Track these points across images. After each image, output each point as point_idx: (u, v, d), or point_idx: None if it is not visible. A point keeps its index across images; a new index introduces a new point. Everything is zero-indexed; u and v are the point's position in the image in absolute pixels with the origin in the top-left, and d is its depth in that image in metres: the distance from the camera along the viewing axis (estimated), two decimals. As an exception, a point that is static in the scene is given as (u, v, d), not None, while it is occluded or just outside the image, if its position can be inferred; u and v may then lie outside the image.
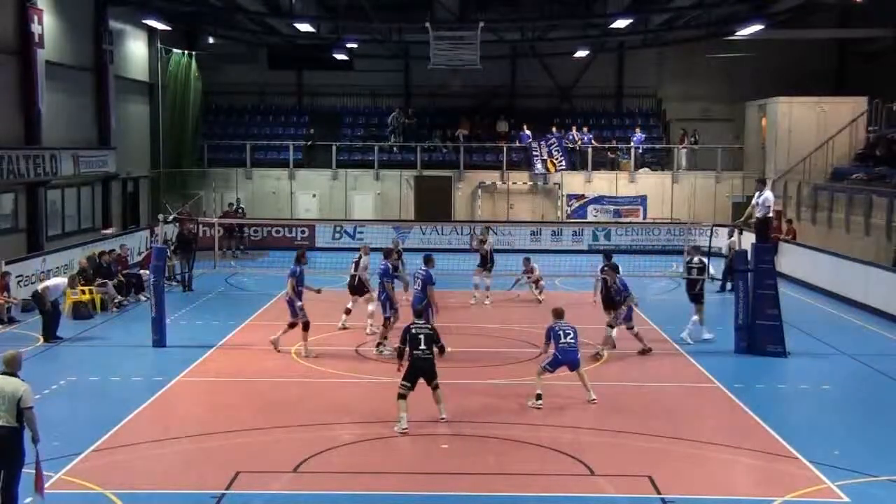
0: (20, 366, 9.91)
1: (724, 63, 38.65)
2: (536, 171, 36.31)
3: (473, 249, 24.25)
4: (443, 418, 13.34)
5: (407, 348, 13.40)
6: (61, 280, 20.44)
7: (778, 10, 30.74)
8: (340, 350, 17.87)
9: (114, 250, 24.78)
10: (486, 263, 23.51)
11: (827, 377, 16.73)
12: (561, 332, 14.38)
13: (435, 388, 13.32)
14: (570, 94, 40.69)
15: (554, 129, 37.05)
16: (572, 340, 14.39)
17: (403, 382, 13.10)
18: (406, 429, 12.91)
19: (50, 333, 18.97)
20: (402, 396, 13.01)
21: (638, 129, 37.86)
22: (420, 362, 13.18)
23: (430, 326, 13.71)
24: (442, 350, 13.77)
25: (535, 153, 36.33)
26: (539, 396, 14.29)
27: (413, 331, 13.38)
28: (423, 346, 13.22)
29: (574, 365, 14.49)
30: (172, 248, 25.27)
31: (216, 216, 31.07)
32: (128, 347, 18.44)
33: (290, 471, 11.52)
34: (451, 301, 22.38)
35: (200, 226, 26.73)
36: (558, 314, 14.70)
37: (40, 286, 19.73)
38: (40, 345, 18.55)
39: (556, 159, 36.05)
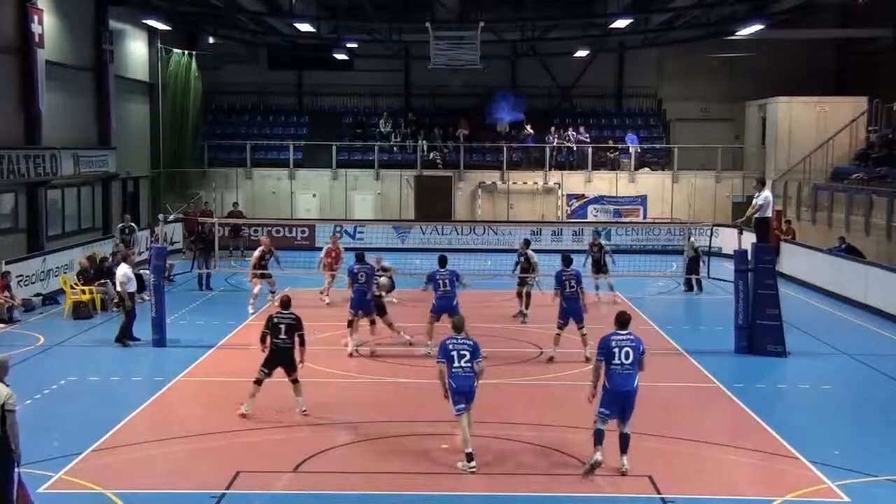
0: (7, 372, 9.53)
1: (724, 63, 38.66)
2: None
3: None
4: (304, 411, 13.60)
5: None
6: (125, 268, 18.93)
7: (778, 10, 30.72)
8: (340, 350, 17.84)
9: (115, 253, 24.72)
10: None
11: (827, 377, 16.73)
12: (455, 354, 11.73)
13: (294, 381, 13.60)
14: (570, 94, 40.68)
15: (553, 129, 37.17)
16: (467, 364, 11.63)
17: (261, 368, 13.54)
18: (247, 412, 13.42)
19: (127, 333, 18.53)
20: (257, 381, 13.50)
21: (630, 132, 37.95)
22: (279, 351, 13.42)
23: (294, 316, 13.53)
24: (302, 341, 13.53)
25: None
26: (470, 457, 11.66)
27: (275, 319, 13.51)
28: (283, 336, 13.40)
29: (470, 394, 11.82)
30: (201, 246, 25.46)
31: (216, 216, 31.02)
32: (128, 347, 18.42)
33: (290, 471, 11.52)
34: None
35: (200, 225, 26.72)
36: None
37: (119, 287, 18.77)
38: (40, 344, 18.55)
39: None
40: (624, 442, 11.38)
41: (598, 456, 11.12)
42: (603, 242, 24.21)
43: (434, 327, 17.32)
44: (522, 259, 21.55)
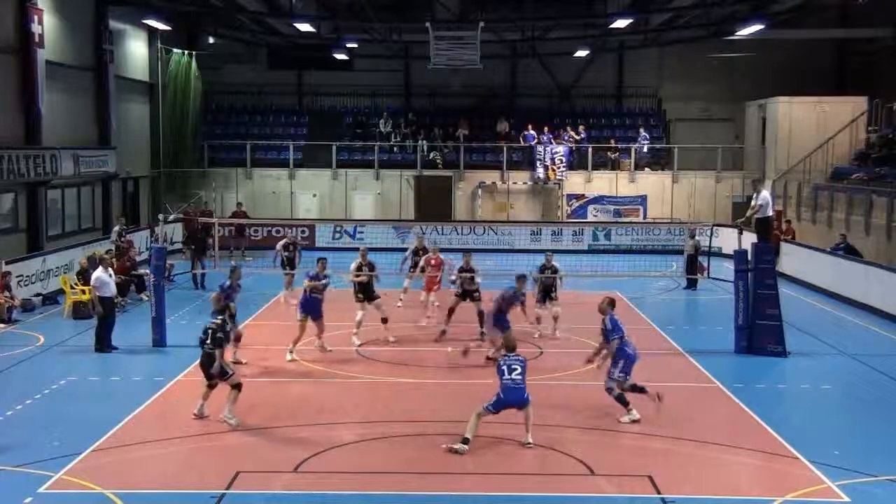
0: None
1: (724, 63, 38.68)
2: (537, 177, 36.28)
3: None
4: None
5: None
6: (99, 272, 18.04)
7: (778, 10, 30.73)
8: (340, 350, 17.85)
9: (110, 250, 24.70)
10: None
11: (827, 377, 16.74)
12: (505, 368, 12.43)
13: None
14: (570, 94, 40.69)
15: (546, 130, 37.11)
16: (518, 377, 12.37)
17: None
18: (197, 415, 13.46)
19: (103, 340, 17.92)
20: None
21: (641, 129, 37.97)
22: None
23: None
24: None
25: (538, 157, 36.23)
26: (466, 441, 12.11)
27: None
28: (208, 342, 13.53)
29: (521, 404, 12.43)
30: (192, 246, 25.81)
31: (216, 216, 31.01)
32: (128, 347, 18.41)
33: (291, 471, 11.53)
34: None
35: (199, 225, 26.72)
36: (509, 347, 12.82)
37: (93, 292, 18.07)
38: (40, 344, 18.54)
39: (558, 167, 36.04)
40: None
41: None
42: (556, 264, 19.83)
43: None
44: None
